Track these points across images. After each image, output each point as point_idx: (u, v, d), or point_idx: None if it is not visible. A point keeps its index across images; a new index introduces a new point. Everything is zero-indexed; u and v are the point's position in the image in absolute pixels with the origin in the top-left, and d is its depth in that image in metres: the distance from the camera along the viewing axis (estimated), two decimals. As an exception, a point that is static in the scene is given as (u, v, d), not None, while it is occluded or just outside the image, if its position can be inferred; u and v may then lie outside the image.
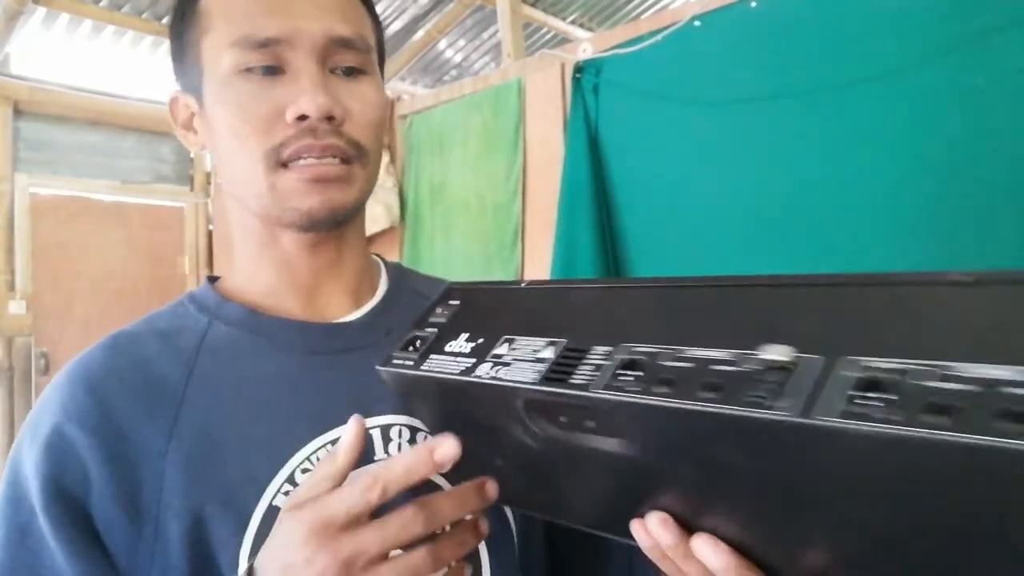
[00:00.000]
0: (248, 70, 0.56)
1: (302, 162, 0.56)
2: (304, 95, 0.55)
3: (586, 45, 2.23)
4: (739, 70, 1.88)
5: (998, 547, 0.29)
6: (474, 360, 0.46)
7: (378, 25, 0.65)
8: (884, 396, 0.29)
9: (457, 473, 0.48)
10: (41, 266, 3.44)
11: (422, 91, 4.34)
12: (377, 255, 0.73)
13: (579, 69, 2.21)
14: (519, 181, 2.43)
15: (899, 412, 0.28)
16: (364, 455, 0.57)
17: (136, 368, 0.56)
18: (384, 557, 0.44)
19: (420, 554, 0.45)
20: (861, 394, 0.29)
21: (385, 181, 2.83)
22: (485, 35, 4.24)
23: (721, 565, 0.38)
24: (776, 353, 0.33)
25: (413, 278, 0.73)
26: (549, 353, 0.43)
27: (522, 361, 0.44)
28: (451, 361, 0.48)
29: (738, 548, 0.38)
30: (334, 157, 0.57)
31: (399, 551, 0.45)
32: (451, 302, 0.55)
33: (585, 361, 0.40)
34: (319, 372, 0.59)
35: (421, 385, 0.51)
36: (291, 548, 0.43)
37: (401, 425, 0.59)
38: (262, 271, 0.63)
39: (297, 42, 0.56)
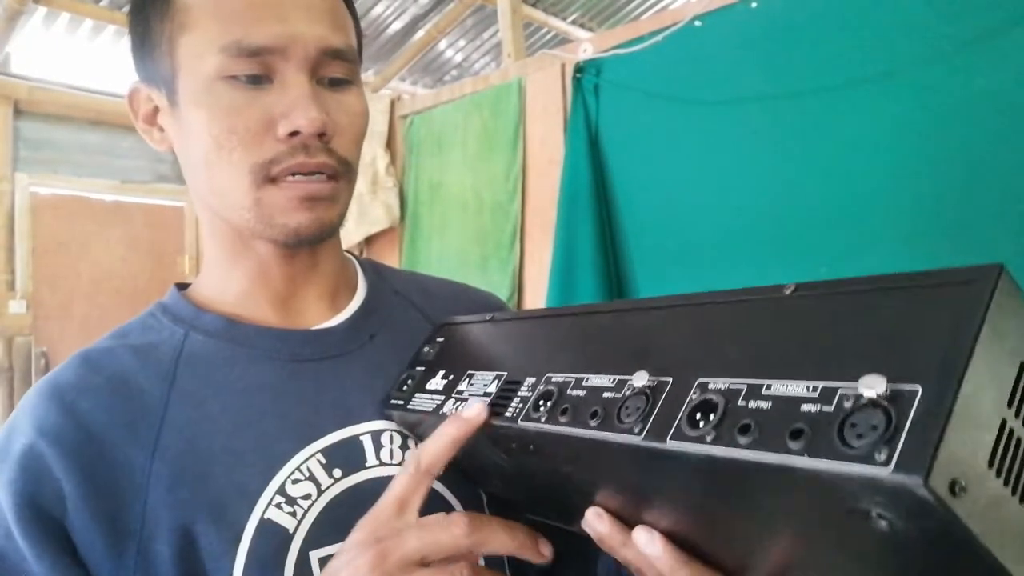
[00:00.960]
0: (233, 77, 0.53)
1: (291, 179, 0.54)
2: (297, 110, 0.53)
3: (586, 45, 2.23)
4: (739, 70, 1.88)
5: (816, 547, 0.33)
6: (443, 397, 0.53)
7: (358, 26, 0.63)
8: (713, 417, 0.32)
9: (455, 474, 0.52)
10: (41, 266, 3.44)
11: (422, 91, 4.34)
12: (349, 252, 0.71)
13: (579, 69, 2.21)
14: (518, 181, 2.43)
15: (718, 433, 0.31)
16: (356, 462, 0.57)
17: (112, 385, 0.54)
18: (420, 563, 0.44)
19: (460, 565, 0.45)
20: (695, 417, 0.33)
21: (385, 181, 2.83)
22: (485, 35, 4.24)
23: (655, 553, 0.40)
24: (640, 380, 0.37)
25: (391, 277, 0.72)
26: (493, 387, 0.50)
27: (475, 396, 0.50)
28: (427, 399, 0.55)
29: (675, 539, 0.41)
30: (322, 174, 0.55)
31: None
32: (438, 339, 0.60)
33: (518, 393, 0.47)
34: (303, 380, 0.58)
35: (409, 420, 0.57)
36: (338, 556, 0.45)
37: (392, 431, 0.58)
38: (235, 279, 0.61)
39: (290, 52, 0.53)
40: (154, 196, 3.82)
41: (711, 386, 0.33)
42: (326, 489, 0.54)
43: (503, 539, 0.46)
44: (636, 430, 0.35)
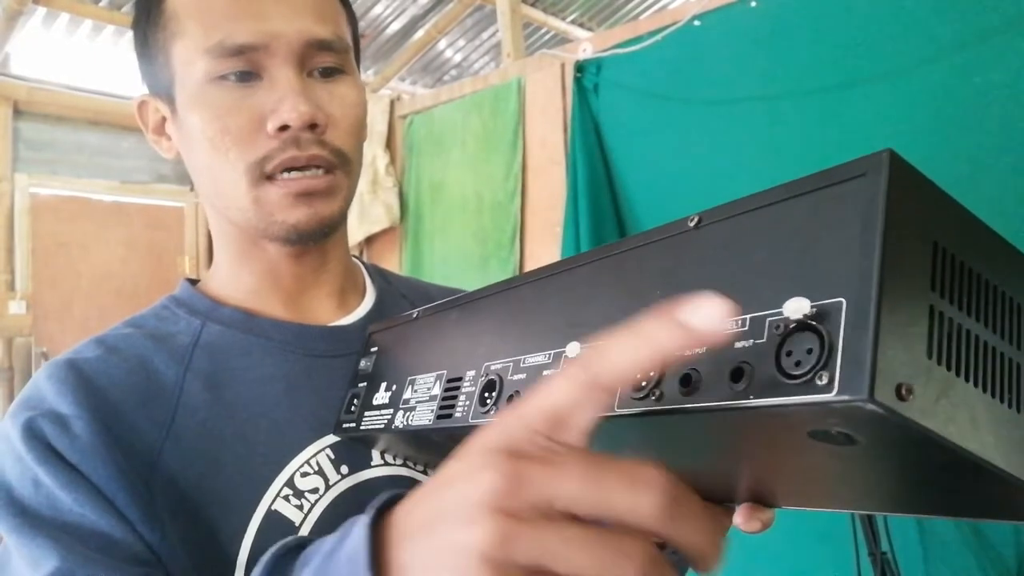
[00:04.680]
0: (222, 77, 0.54)
1: (287, 175, 0.55)
2: (284, 104, 0.53)
3: (586, 45, 2.23)
4: (739, 70, 1.88)
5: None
6: (391, 410, 0.49)
7: (353, 18, 0.63)
8: (653, 374, 0.31)
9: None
10: (41, 266, 3.44)
11: (422, 91, 4.34)
12: (356, 256, 0.72)
13: (579, 69, 2.21)
14: (518, 180, 2.43)
15: (661, 391, 0.30)
16: (362, 460, 0.57)
17: (129, 365, 0.54)
18: (574, 519, 0.27)
19: (636, 546, 0.27)
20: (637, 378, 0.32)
21: (385, 181, 2.83)
22: (485, 35, 4.23)
23: None
24: (573, 350, 0.36)
25: (395, 281, 0.72)
26: (437, 389, 0.45)
27: (422, 403, 0.46)
28: (377, 416, 0.50)
29: None
30: (318, 168, 0.55)
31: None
32: (372, 350, 0.57)
33: (461, 390, 0.43)
34: (317, 374, 0.59)
35: (368, 442, 0.54)
36: (451, 464, 0.30)
37: None
38: (244, 278, 0.61)
39: (273, 48, 0.54)
40: (154, 196, 3.82)
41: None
42: (333, 484, 0.55)
43: (697, 517, 0.28)
44: None
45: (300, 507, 0.53)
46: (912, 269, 0.25)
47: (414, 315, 0.54)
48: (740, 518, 0.36)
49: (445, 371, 0.46)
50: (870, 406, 0.22)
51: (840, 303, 0.24)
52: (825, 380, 0.24)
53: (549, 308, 0.40)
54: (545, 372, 0.37)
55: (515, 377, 0.39)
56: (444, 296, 0.74)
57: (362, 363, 0.57)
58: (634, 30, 2.12)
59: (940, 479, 0.29)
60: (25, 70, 3.51)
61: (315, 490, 0.54)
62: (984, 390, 0.26)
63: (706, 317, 0.25)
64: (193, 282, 0.64)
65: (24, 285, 3.37)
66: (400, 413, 0.48)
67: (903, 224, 0.25)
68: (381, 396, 0.52)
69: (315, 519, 0.53)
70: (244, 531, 0.51)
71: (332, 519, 0.53)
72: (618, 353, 0.27)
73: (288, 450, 0.54)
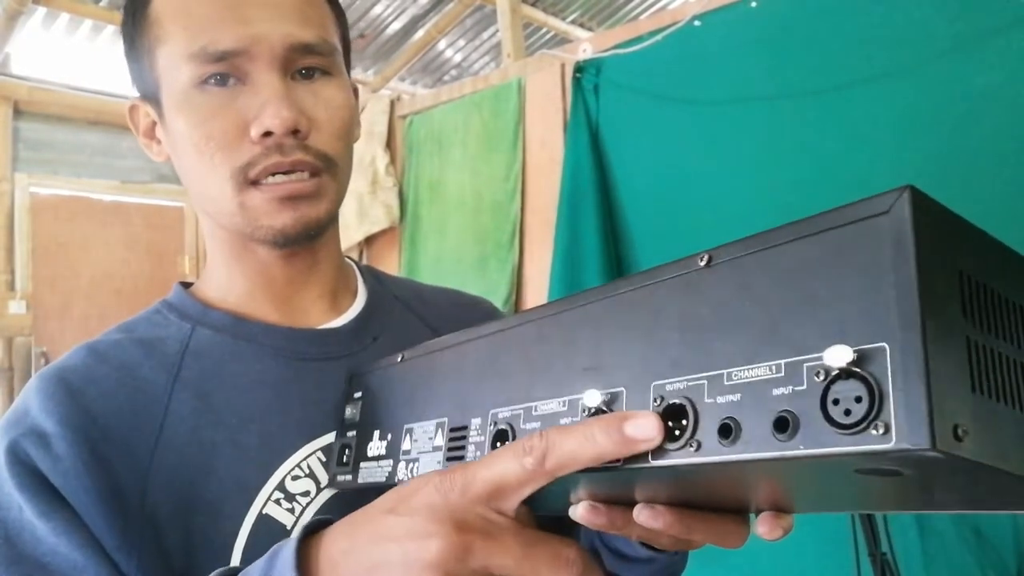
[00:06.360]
0: (206, 83, 0.54)
1: (271, 180, 0.54)
2: (267, 110, 0.53)
3: (586, 45, 2.23)
4: (739, 70, 1.88)
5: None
6: (391, 461, 0.48)
7: (342, 17, 0.62)
8: (686, 423, 0.30)
9: None
10: (41, 266, 3.44)
11: (422, 91, 4.34)
12: (350, 258, 0.71)
13: (579, 69, 2.21)
14: (518, 180, 2.43)
15: (699, 441, 0.29)
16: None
17: (118, 375, 0.54)
18: None
19: None
20: (667, 426, 0.31)
21: (385, 181, 2.83)
22: (485, 35, 4.24)
23: (664, 524, 0.38)
24: (592, 399, 0.34)
25: (388, 282, 0.72)
26: (440, 439, 0.44)
27: (425, 453, 0.45)
28: (376, 467, 0.49)
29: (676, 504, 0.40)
30: (303, 171, 0.55)
31: None
32: (355, 395, 0.55)
33: (469, 440, 0.42)
34: (307, 378, 0.58)
35: (368, 495, 0.53)
36: (392, 518, 0.34)
37: None
38: (236, 280, 0.61)
39: (256, 52, 0.53)
40: (154, 196, 3.82)
41: (669, 388, 0.31)
42: (325, 487, 0.55)
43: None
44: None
45: (291, 510, 0.53)
46: (945, 303, 0.25)
47: (399, 358, 0.52)
48: (763, 528, 0.37)
49: (446, 419, 0.44)
50: (932, 454, 0.22)
51: (883, 348, 0.24)
52: (881, 430, 0.23)
53: (555, 350, 0.38)
54: (562, 420, 0.36)
55: (528, 426, 0.38)
56: (438, 298, 0.74)
57: (347, 411, 0.55)
58: (634, 30, 2.12)
59: (975, 488, 0.29)
60: (25, 70, 3.51)
61: (306, 493, 0.54)
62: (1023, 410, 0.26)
63: (642, 430, 0.30)
64: (188, 285, 0.64)
65: (24, 285, 3.37)
66: (402, 464, 0.47)
67: (931, 259, 0.24)
68: (376, 446, 0.50)
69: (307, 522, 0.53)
70: (236, 535, 0.51)
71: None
72: (566, 447, 0.32)
73: (279, 454, 0.54)
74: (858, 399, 0.24)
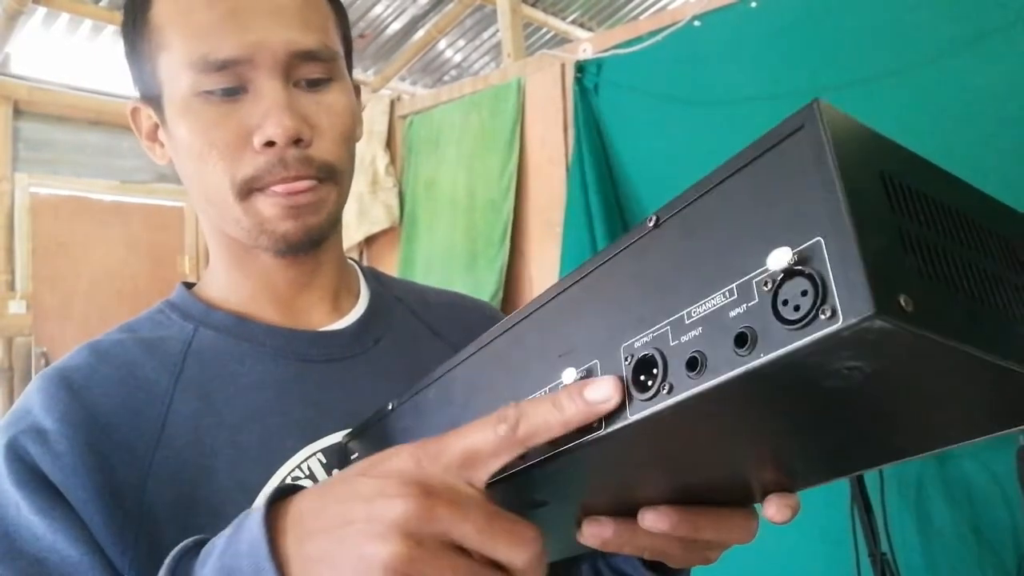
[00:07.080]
0: (208, 92, 0.53)
1: (274, 188, 0.55)
2: (269, 119, 0.53)
3: (586, 45, 2.23)
4: (739, 70, 1.88)
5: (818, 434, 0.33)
6: None
7: (343, 18, 0.62)
8: (657, 371, 0.31)
9: None
10: (41, 266, 3.44)
11: (422, 91, 4.34)
12: (352, 259, 0.71)
13: (580, 69, 2.21)
14: (512, 179, 2.43)
15: (671, 382, 0.30)
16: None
17: (120, 375, 0.54)
18: (462, 551, 0.34)
19: None
20: (641, 380, 0.31)
21: (385, 181, 2.83)
22: (485, 35, 4.24)
23: (670, 524, 0.38)
24: (569, 376, 0.35)
25: (390, 284, 0.72)
26: None
27: None
28: None
29: (677, 500, 0.40)
30: (306, 179, 0.55)
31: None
32: (352, 457, 0.55)
33: None
34: (309, 379, 0.58)
35: None
36: (363, 479, 0.35)
37: None
38: (239, 282, 0.61)
39: (258, 60, 0.53)
40: (154, 196, 3.82)
41: (637, 344, 0.32)
42: None
43: None
44: (594, 425, 0.33)
45: None
46: (870, 196, 0.26)
47: (389, 407, 0.51)
48: (771, 510, 0.37)
49: None
50: (878, 322, 0.23)
51: (819, 242, 0.25)
52: (829, 312, 0.24)
53: (531, 349, 0.39)
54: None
55: None
56: (441, 301, 0.74)
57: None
58: (634, 30, 2.12)
59: (949, 400, 0.30)
60: (25, 70, 3.51)
61: None
62: (970, 295, 0.27)
63: (599, 392, 0.32)
64: (190, 285, 0.64)
65: (24, 285, 3.37)
66: None
67: (850, 160, 0.26)
68: None
69: None
70: None
71: None
72: (537, 416, 0.33)
73: (280, 455, 0.54)
74: (804, 293, 0.25)
